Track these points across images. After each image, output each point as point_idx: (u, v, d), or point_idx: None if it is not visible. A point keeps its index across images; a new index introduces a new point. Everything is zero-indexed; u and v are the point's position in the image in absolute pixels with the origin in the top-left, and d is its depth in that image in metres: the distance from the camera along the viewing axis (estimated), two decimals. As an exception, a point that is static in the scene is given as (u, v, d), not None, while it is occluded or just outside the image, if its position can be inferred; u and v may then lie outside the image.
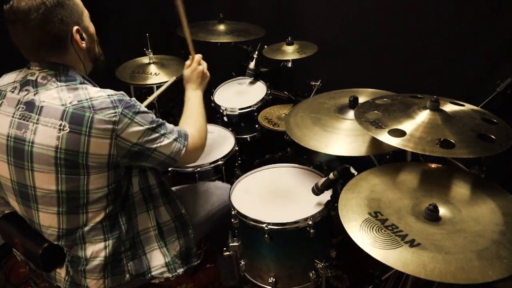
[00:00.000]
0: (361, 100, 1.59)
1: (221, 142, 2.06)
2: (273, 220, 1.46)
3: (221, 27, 2.51)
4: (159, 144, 1.25)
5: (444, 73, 2.16)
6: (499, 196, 1.18)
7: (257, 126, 2.26)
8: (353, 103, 1.59)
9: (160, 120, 1.28)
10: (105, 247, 1.27)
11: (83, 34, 1.24)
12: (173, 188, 1.55)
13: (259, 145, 2.37)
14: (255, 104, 2.25)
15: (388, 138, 1.24)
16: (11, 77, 1.25)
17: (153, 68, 2.40)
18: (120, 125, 1.15)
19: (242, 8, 2.67)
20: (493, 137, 1.22)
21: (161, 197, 1.41)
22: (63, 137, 1.12)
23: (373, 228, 1.09)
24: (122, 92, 1.21)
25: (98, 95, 1.17)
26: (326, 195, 1.53)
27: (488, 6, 1.94)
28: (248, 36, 2.38)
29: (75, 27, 1.20)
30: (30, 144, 1.15)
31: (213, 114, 2.41)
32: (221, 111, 2.26)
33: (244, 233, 1.59)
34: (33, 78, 1.19)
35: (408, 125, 1.28)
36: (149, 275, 1.37)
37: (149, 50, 2.42)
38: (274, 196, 1.63)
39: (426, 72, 2.20)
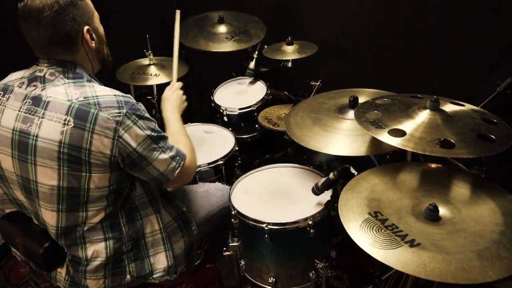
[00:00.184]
0: (361, 100, 1.59)
1: (221, 142, 2.06)
2: (273, 220, 1.46)
3: (221, 28, 2.49)
4: (156, 157, 1.23)
5: (444, 73, 2.16)
6: (499, 196, 1.19)
7: (257, 126, 2.26)
8: (353, 103, 1.59)
9: (163, 133, 1.28)
10: (106, 247, 1.27)
11: (93, 35, 1.26)
12: (174, 189, 1.55)
13: (259, 145, 2.37)
14: (255, 104, 2.25)
15: (388, 138, 1.24)
16: (19, 74, 1.26)
17: (153, 69, 2.40)
18: (123, 126, 1.15)
19: (242, 8, 2.67)
20: (493, 137, 1.22)
21: (161, 200, 1.42)
22: (67, 131, 1.13)
23: (373, 228, 1.09)
24: (130, 96, 1.22)
25: (105, 93, 1.18)
26: (326, 195, 1.53)
27: (488, 6, 1.94)
28: (248, 42, 2.37)
29: (86, 27, 1.22)
30: (34, 138, 1.15)
31: (213, 114, 2.41)
32: (221, 111, 2.26)
33: (244, 233, 1.59)
34: (41, 74, 1.21)
35: (408, 125, 1.28)
36: (151, 278, 1.37)
37: (149, 52, 2.42)
38: (274, 196, 1.63)
39: (426, 72, 2.20)
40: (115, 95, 1.19)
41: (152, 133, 1.22)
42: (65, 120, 1.13)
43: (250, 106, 2.24)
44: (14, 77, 1.26)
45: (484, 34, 1.97)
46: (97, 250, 1.27)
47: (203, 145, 2.06)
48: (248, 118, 2.25)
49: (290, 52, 2.24)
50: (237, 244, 1.59)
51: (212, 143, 2.07)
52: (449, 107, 1.37)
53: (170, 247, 1.39)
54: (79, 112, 1.13)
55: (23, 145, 1.17)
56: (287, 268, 1.57)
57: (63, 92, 1.17)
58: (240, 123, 2.27)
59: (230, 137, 2.10)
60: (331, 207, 1.52)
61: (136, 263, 1.34)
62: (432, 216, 1.11)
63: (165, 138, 1.28)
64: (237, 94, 2.41)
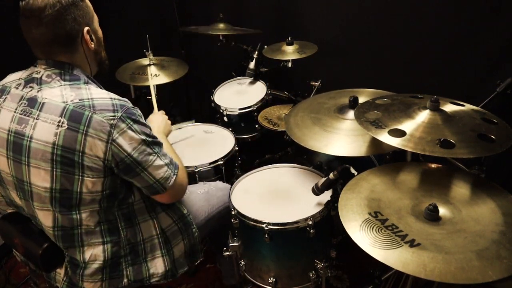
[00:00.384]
0: (361, 100, 1.59)
1: (221, 142, 2.06)
2: (273, 220, 1.46)
3: (221, 26, 2.50)
4: (151, 163, 1.22)
5: (444, 73, 2.16)
6: (499, 196, 1.18)
7: (257, 126, 2.26)
8: (353, 103, 1.59)
9: (158, 139, 1.27)
10: (104, 251, 1.27)
11: (93, 36, 1.26)
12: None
13: (259, 145, 2.38)
14: (255, 104, 2.25)
15: (388, 138, 1.24)
16: (17, 75, 1.26)
17: (153, 70, 2.41)
18: (117, 130, 1.14)
19: (242, 8, 2.67)
20: (493, 137, 1.22)
21: (160, 204, 1.40)
22: (60, 133, 1.12)
23: (373, 228, 1.09)
24: (126, 100, 1.21)
25: (100, 96, 1.17)
26: (326, 195, 1.53)
27: (488, 6, 1.94)
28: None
29: (86, 28, 1.22)
30: (28, 139, 1.15)
31: (213, 114, 2.41)
32: (221, 111, 2.26)
33: (244, 233, 1.59)
34: (38, 76, 1.21)
35: (408, 125, 1.28)
36: (148, 282, 1.37)
37: (149, 52, 2.42)
38: (274, 196, 1.63)
39: (426, 72, 2.20)
40: (111, 98, 1.18)
41: (147, 138, 1.21)
42: (59, 122, 1.13)
43: (250, 106, 2.24)
44: (12, 78, 1.26)
45: (484, 34, 1.97)
46: (94, 253, 1.26)
47: (203, 145, 2.06)
48: (248, 118, 2.26)
49: (290, 52, 2.25)
50: (237, 244, 1.59)
51: (212, 143, 2.07)
52: (449, 107, 1.37)
53: (167, 252, 1.39)
54: (73, 114, 1.13)
55: (17, 146, 1.17)
56: (287, 268, 1.57)
57: (58, 94, 1.16)
58: (240, 123, 2.27)
59: (230, 137, 2.10)
60: (331, 207, 1.52)
61: (133, 267, 1.34)
62: (432, 216, 1.11)
63: (160, 145, 1.27)
64: (237, 94, 2.41)
